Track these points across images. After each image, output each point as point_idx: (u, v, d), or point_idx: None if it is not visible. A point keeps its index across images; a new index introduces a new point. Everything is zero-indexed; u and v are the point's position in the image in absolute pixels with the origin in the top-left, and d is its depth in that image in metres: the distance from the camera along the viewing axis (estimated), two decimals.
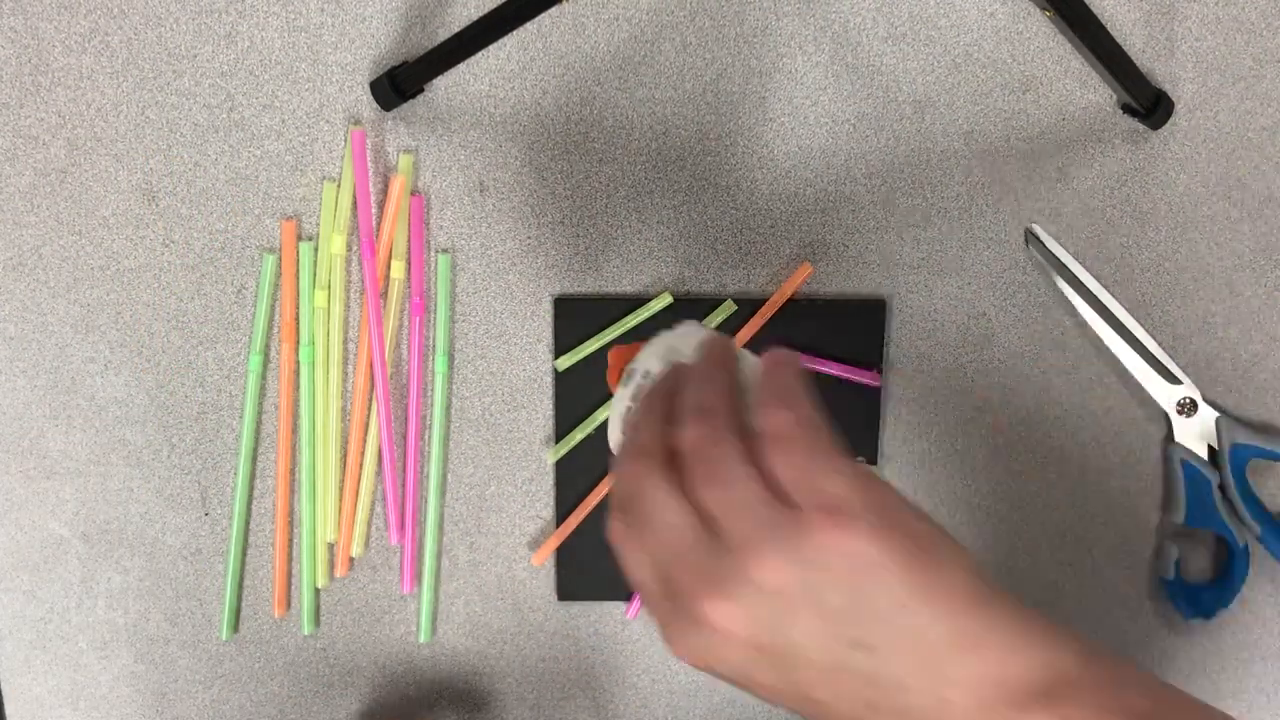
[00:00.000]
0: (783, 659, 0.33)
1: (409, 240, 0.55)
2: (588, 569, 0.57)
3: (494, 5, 0.49)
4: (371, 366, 0.55)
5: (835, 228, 0.56)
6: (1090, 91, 0.55)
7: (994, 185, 0.55)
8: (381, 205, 0.55)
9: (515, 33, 0.52)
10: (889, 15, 0.54)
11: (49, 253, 0.55)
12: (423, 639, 0.58)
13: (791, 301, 0.55)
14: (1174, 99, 0.54)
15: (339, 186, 0.55)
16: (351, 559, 0.57)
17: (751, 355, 0.39)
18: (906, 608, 0.32)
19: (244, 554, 0.57)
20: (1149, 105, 0.53)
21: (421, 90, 0.54)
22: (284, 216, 0.55)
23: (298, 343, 0.56)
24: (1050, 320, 0.56)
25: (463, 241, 0.56)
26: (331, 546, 0.57)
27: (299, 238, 0.55)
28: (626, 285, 0.56)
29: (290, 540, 0.57)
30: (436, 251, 0.56)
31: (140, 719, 0.58)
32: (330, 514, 0.56)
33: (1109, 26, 0.49)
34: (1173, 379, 0.56)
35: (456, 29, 0.52)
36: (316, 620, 0.58)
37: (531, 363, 0.56)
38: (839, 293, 0.56)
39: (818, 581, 0.32)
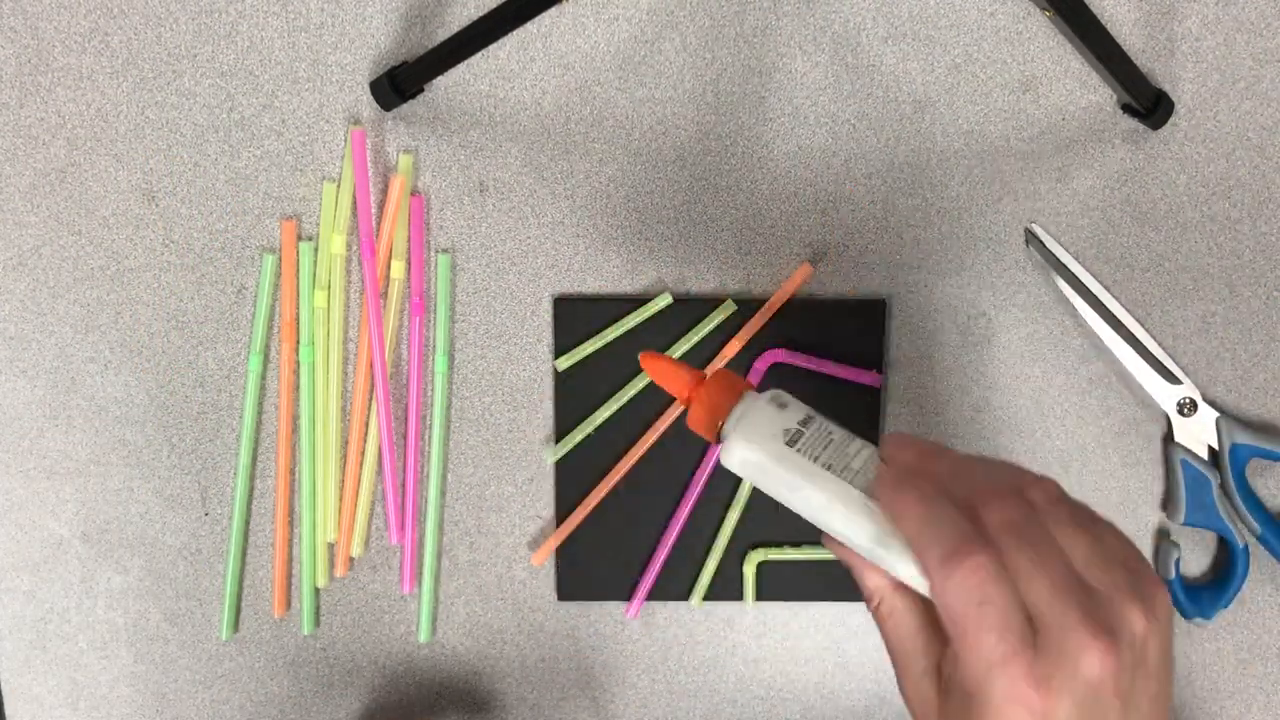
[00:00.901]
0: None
1: (409, 240, 0.55)
2: (588, 569, 0.57)
3: (494, 5, 0.49)
4: (371, 366, 0.55)
5: (835, 228, 0.56)
6: (1090, 91, 0.55)
7: (994, 185, 0.55)
8: (381, 205, 0.55)
9: (515, 33, 0.52)
10: (889, 15, 0.54)
11: (49, 253, 0.55)
12: (423, 639, 0.58)
13: (791, 301, 0.55)
14: (1174, 99, 0.54)
15: (339, 186, 0.55)
16: (351, 559, 0.57)
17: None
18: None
19: (244, 554, 0.57)
20: (1149, 105, 0.53)
21: (421, 90, 0.54)
22: (284, 216, 0.55)
23: (298, 343, 0.56)
24: (1050, 320, 0.56)
25: (463, 241, 0.56)
26: (331, 546, 0.57)
27: (299, 238, 0.55)
28: (626, 285, 0.56)
29: (290, 540, 0.57)
30: (436, 251, 0.56)
31: (140, 719, 0.58)
32: (330, 514, 0.56)
33: (1109, 26, 0.49)
34: (1173, 379, 0.56)
35: (456, 29, 0.52)
36: (316, 620, 0.58)
37: (531, 363, 0.56)
38: (839, 293, 0.56)
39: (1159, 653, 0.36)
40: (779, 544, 0.57)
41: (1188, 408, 0.56)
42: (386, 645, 0.58)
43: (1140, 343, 0.55)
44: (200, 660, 0.58)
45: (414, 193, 0.55)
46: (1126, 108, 0.55)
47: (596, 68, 0.54)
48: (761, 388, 0.55)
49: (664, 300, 0.55)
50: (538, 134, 0.55)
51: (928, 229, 0.56)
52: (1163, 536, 0.58)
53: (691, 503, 0.56)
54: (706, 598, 0.57)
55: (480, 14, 0.50)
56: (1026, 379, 0.57)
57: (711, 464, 0.56)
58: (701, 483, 0.56)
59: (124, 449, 0.56)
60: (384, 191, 0.55)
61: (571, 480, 0.57)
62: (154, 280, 0.55)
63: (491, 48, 0.53)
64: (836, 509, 0.38)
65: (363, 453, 0.56)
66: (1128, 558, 0.36)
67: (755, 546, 0.57)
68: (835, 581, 0.57)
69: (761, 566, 0.57)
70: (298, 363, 0.56)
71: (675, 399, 0.52)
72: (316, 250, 0.55)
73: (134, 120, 0.54)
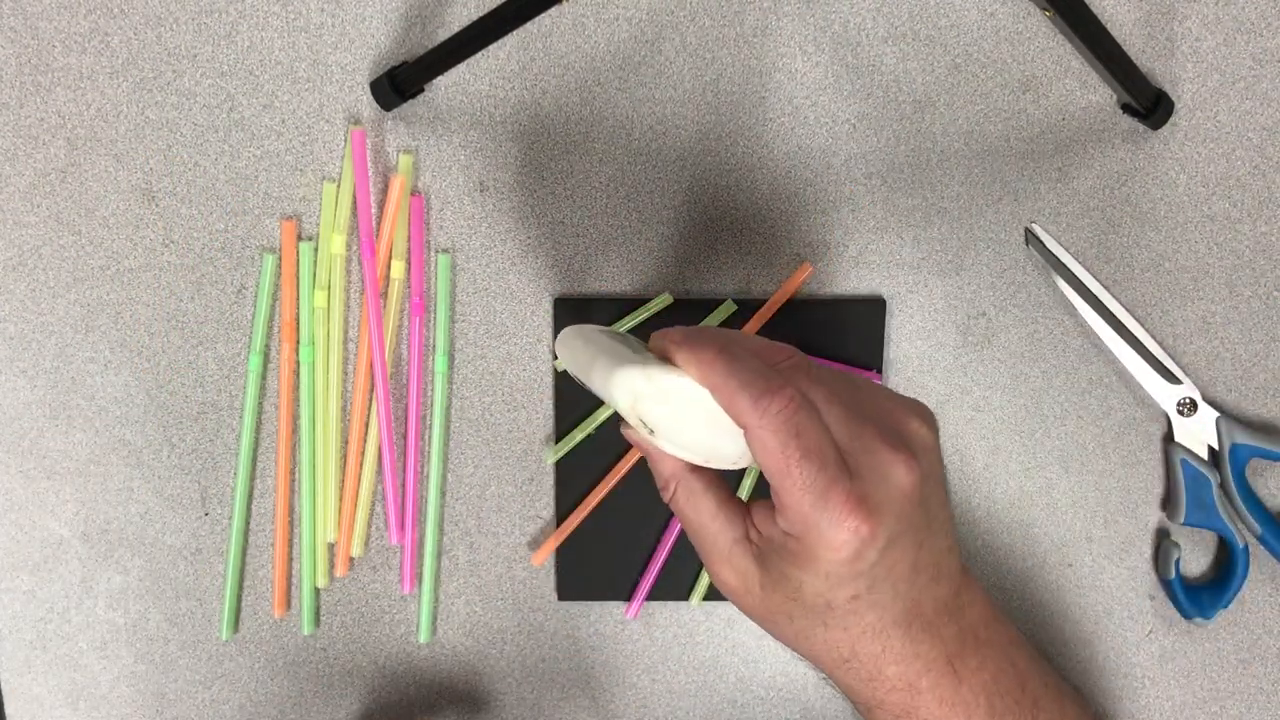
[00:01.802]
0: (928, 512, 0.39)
1: (409, 240, 0.55)
2: (588, 569, 0.57)
3: (494, 5, 0.49)
4: (371, 366, 0.55)
5: (835, 228, 0.56)
6: (1090, 91, 0.55)
7: (994, 185, 0.55)
8: (381, 205, 0.55)
9: (515, 33, 0.52)
10: (889, 15, 0.54)
11: (49, 253, 0.55)
12: (423, 639, 0.58)
13: (791, 301, 0.55)
14: (1174, 99, 0.54)
15: (339, 186, 0.55)
16: (351, 559, 0.57)
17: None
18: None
19: (244, 554, 0.57)
20: (1149, 105, 0.53)
21: (421, 90, 0.54)
22: (284, 216, 0.55)
23: (298, 343, 0.56)
24: (1050, 320, 0.56)
25: (463, 241, 0.56)
26: (331, 546, 0.57)
27: (299, 238, 0.55)
28: (626, 285, 0.56)
29: (290, 540, 0.57)
30: (436, 251, 0.56)
31: (140, 719, 0.58)
32: (330, 514, 0.56)
33: (1109, 26, 0.49)
34: (1173, 379, 0.56)
35: (456, 29, 0.52)
36: (316, 620, 0.58)
37: (531, 363, 0.56)
38: (839, 293, 0.56)
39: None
40: None
41: (1188, 408, 0.56)
42: (386, 645, 0.58)
43: (1140, 343, 0.55)
44: (200, 660, 0.58)
45: (414, 193, 0.55)
46: (1126, 108, 0.55)
47: (596, 68, 0.54)
48: None
49: (664, 300, 0.55)
50: (538, 134, 0.55)
51: (928, 229, 0.56)
52: (1163, 536, 0.58)
53: None
54: (706, 598, 0.57)
55: (480, 14, 0.50)
56: (1026, 379, 0.57)
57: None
58: None
59: (124, 449, 0.56)
60: (384, 191, 0.55)
61: (571, 480, 0.57)
62: (154, 280, 0.55)
63: (491, 48, 0.53)
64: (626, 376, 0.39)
65: (363, 453, 0.56)
66: (883, 388, 0.40)
67: None
68: None
69: None
70: (298, 363, 0.56)
71: None
72: (316, 250, 0.55)
73: (134, 120, 0.54)
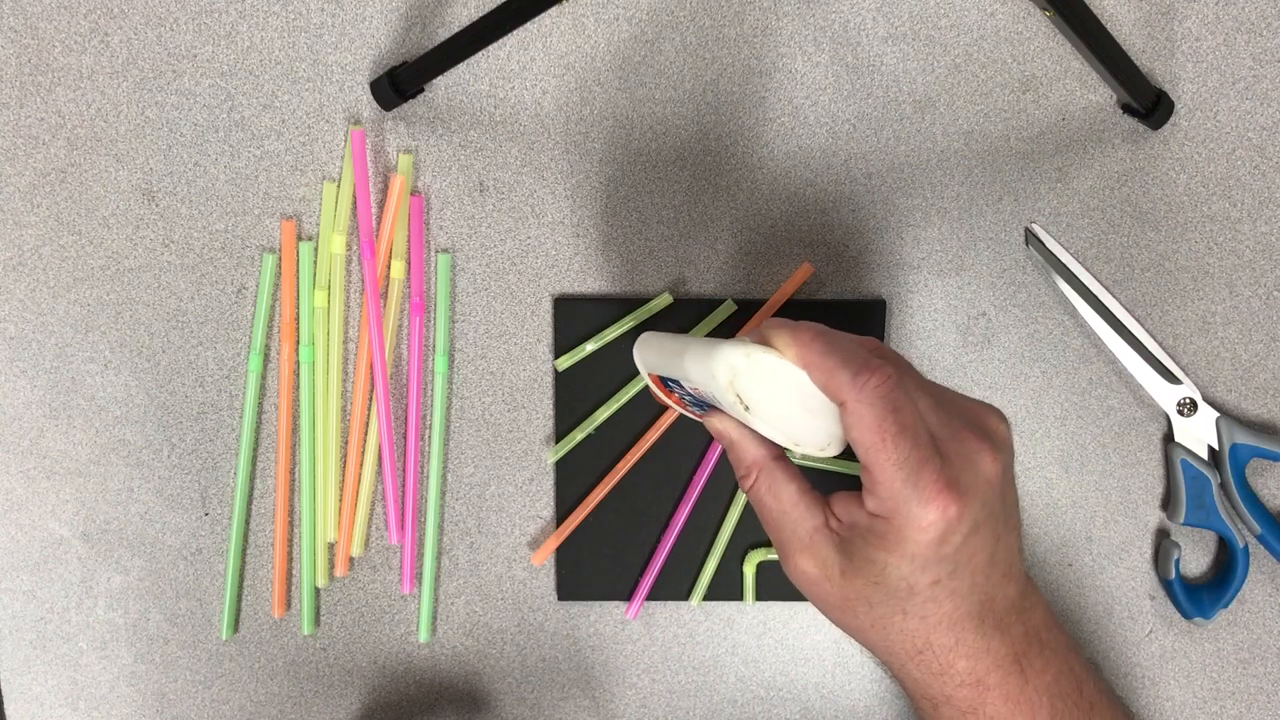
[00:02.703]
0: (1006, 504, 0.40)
1: (409, 240, 0.55)
2: (588, 569, 0.57)
3: (494, 5, 0.49)
4: (371, 366, 0.55)
5: (835, 228, 0.56)
6: (1090, 91, 0.55)
7: (994, 185, 0.55)
8: (381, 205, 0.55)
9: (515, 33, 0.52)
10: (889, 15, 0.54)
11: (49, 253, 0.55)
12: (423, 639, 0.58)
13: (791, 301, 0.55)
14: (1174, 99, 0.54)
15: (339, 186, 0.55)
16: (351, 559, 0.57)
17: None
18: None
19: (244, 554, 0.57)
20: (1149, 105, 0.53)
21: (421, 90, 0.54)
22: (284, 216, 0.55)
23: (298, 343, 0.56)
24: (1050, 320, 0.56)
25: (463, 241, 0.56)
26: (331, 546, 0.57)
27: (299, 238, 0.55)
28: (626, 285, 0.56)
29: (290, 540, 0.57)
30: (436, 251, 0.56)
31: (140, 719, 0.58)
32: (330, 514, 0.56)
33: (1109, 26, 0.50)
34: (1173, 379, 0.56)
35: (456, 29, 0.52)
36: (316, 620, 0.58)
37: (531, 363, 0.56)
38: (839, 293, 0.56)
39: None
40: None
41: (1188, 408, 0.56)
42: (386, 645, 0.58)
43: (1140, 343, 0.55)
44: (200, 660, 0.58)
45: (414, 193, 0.55)
46: (1126, 108, 0.55)
47: (596, 68, 0.54)
48: None
49: (664, 300, 0.55)
50: (538, 134, 0.55)
51: (928, 229, 0.56)
52: (1163, 536, 0.58)
53: (691, 503, 0.56)
54: (706, 598, 0.57)
55: (480, 14, 0.50)
56: (1026, 379, 0.57)
57: (711, 464, 0.56)
58: (701, 483, 0.56)
59: (124, 449, 0.56)
60: (384, 191, 0.55)
61: (571, 480, 0.57)
62: (154, 280, 0.55)
63: (491, 48, 0.53)
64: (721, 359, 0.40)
65: (363, 453, 0.56)
66: (957, 391, 0.42)
67: (755, 546, 0.57)
68: None
69: (761, 566, 0.57)
70: (298, 363, 0.56)
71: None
72: (316, 250, 0.55)
73: (134, 120, 0.54)
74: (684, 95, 0.55)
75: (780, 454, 0.42)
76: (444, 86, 0.54)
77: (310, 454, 0.56)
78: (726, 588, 0.57)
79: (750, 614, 0.58)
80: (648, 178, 0.55)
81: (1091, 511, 0.57)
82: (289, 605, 0.58)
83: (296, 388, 0.56)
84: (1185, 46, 0.55)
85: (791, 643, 0.59)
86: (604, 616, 0.58)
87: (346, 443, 0.56)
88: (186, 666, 0.58)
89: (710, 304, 0.55)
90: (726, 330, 0.55)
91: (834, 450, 0.41)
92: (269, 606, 0.58)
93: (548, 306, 0.56)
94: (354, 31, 0.54)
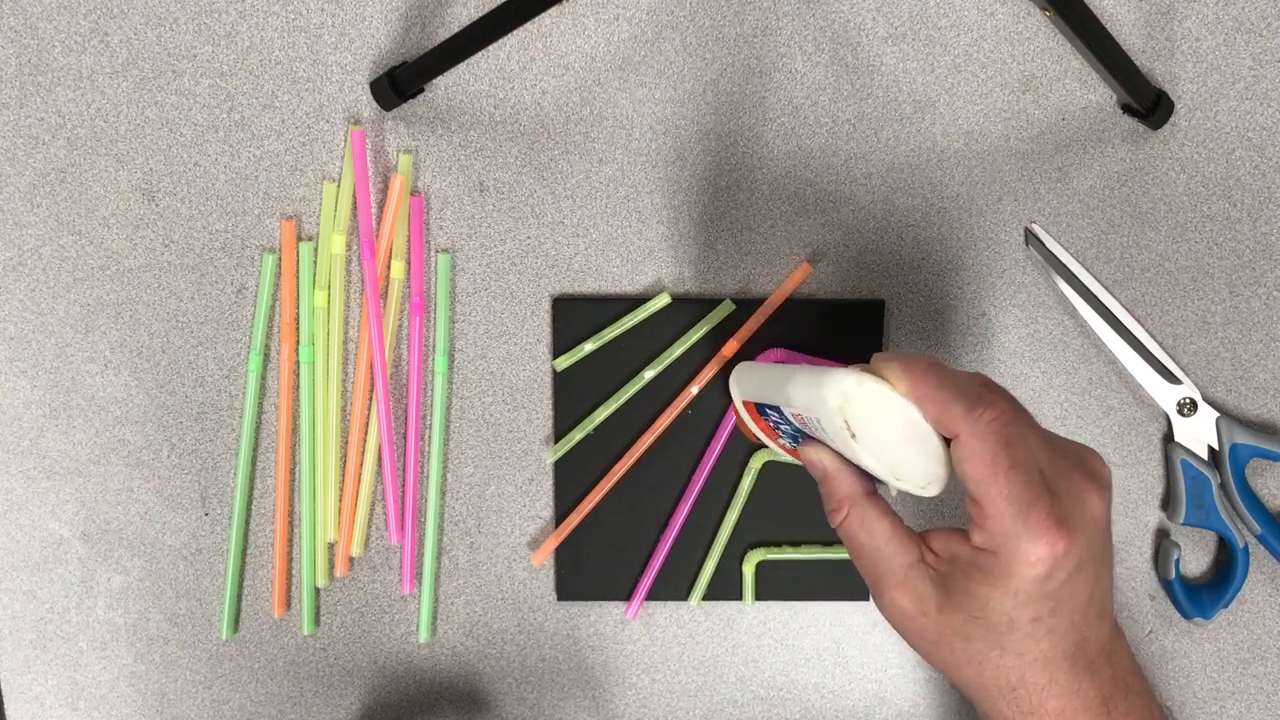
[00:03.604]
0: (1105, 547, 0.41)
1: (409, 240, 0.55)
2: (588, 569, 0.57)
3: (494, 5, 0.49)
4: (371, 366, 0.55)
5: (835, 228, 0.56)
6: (1090, 91, 0.55)
7: (994, 185, 0.55)
8: (381, 205, 0.55)
9: (515, 33, 0.52)
10: (889, 15, 0.54)
11: (49, 253, 0.55)
12: (423, 639, 0.58)
13: (791, 301, 0.55)
14: (1174, 99, 0.54)
15: (339, 186, 0.55)
16: (351, 559, 0.57)
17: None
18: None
19: (244, 554, 0.57)
20: (1149, 105, 0.53)
21: (421, 90, 0.54)
22: (284, 216, 0.55)
23: (298, 343, 0.56)
24: (1050, 320, 0.56)
25: (463, 241, 0.56)
26: (331, 546, 0.57)
27: (299, 238, 0.55)
28: (626, 285, 0.56)
29: (290, 540, 0.57)
30: (436, 251, 0.56)
31: (140, 719, 0.58)
32: (330, 514, 0.56)
33: (1109, 26, 0.50)
34: (1173, 379, 0.56)
35: (456, 29, 0.52)
36: (316, 620, 0.58)
37: (531, 363, 0.56)
38: (839, 293, 0.56)
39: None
40: (778, 544, 0.57)
41: (1188, 408, 0.56)
42: (386, 645, 0.58)
43: (1140, 343, 0.55)
44: (200, 660, 0.58)
45: (414, 193, 0.55)
46: (1126, 108, 0.55)
47: (596, 68, 0.54)
48: None
49: (663, 300, 0.55)
50: (538, 134, 0.55)
51: (927, 229, 0.56)
52: (1163, 536, 0.58)
53: (690, 503, 0.56)
54: (706, 597, 0.57)
55: (480, 14, 0.50)
56: (1026, 379, 0.57)
57: (711, 464, 0.56)
58: (700, 483, 0.56)
59: (124, 449, 0.56)
60: (384, 191, 0.55)
61: (571, 480, 0.57)
62: (154, 280, 0.55)
63: (491, 48, 0.53)
64: (828, 390, 0.40)
65: (363, 453, 0.56)
66: (1062, 436, 0.42)
67: (754, 546, 0.57)
68: (835, 581, 0.57)
69: (761, 566, 0.57)
70: (298, 363, 0.56)
71: (674, 400, 0.56)
72: (316, 250, 0.55)
73: (134, 120, 0.54)
74: (684, 95, 0.55)
75: (873, 489, 0.42)
76: (444, 86, 0.54)
77: (310, 454, 0.56)
78: (726, 587, 0.57)
79: (750, 614, 0.58)
80: (648, 178, 0.55)
81: None
82: (289, 605, 0.58)
83: (296, 388, 0.56)
84: (1185, 46, 0.55)
85: (791, 643, 0.59)
86: (604, 616, 0.58)
87: (346, 443, 0.56)
88: (186, 666, 0.58)
89: (709, 304, 0.55)
90: (726, 330, 0.55)
91: (933, 490, 0.40)
92: (269, 606, 0.58)
93: (547, 306, 0.56)
94: (354, 31, 0.54)
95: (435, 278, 0.56)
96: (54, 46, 0.54)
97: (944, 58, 0.55)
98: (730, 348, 0.55)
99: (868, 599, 0.58)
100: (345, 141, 0.55)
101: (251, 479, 0.57)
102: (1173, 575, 0.57)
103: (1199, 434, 0.56)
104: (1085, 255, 0.56)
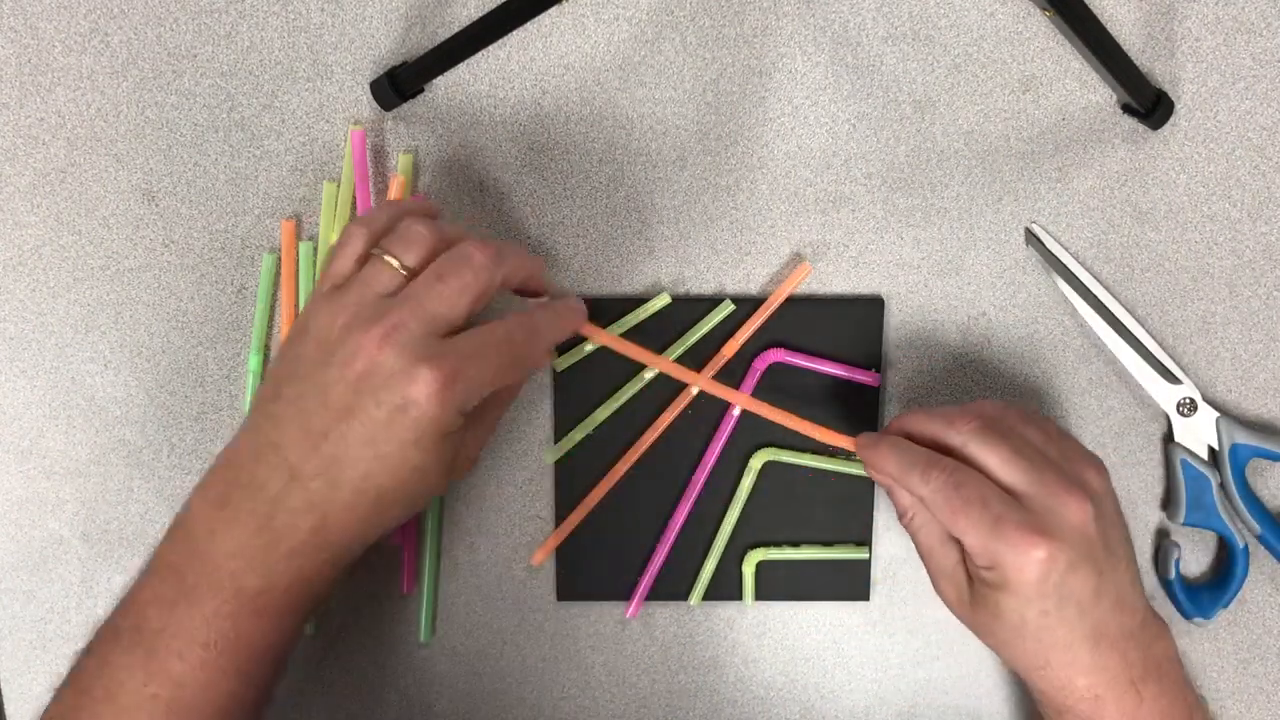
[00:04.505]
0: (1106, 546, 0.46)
1: None
2: (588, 569, 0.57)
3: (494, 5, 0.49)
4: None
5: (835, 228, 0.56)
6: (1090, 91, 0.55)
7: (994, 185, 0.55)
8: None
9: (515, 33, 0.52)
10: (889, 15, 0.54)
11: (49, 253, 0.55)
12: (423, 639, 0.58)
13: (791, 301, 0.55)
14: (1174, 99, 0.54)
15: (339, 186, 0.55)
16: None
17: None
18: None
19: None
20: (1149, 105, 0.53)
21: (421, 90, 0.54)
22: (284, 216, 0.55)
23: None
24: (1050, 320, 0.56)
25: None
26: None
27: (299, 238, 0.55)
28: (626, 285, 0.56)
29: None
30: None
31: None
32: None
33: (1109, 26, 0.50)
34: (1173, 379, 0.56)
35: (456, 29, 0.52)
36: (317, 620, 0.58)
37: None
38: (838, 292, 0.56)
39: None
40: (778, 544, 0.57)
41: (1188, 408, 0.56)
42: (386, 645, 0.58)
43: (1140, 343, 0.55)
44: None
45: (414, 193, 0.55)
46: (1126, 108, 0.55)
47: (596, 68, 0.54)
48: (760, 387, 0.56)
49: (662, 300, 0.55)
50: (538, 134, 0.55)
51: (927, 229, 0.56)
52: (1163, 536, 0.58)
53: (690, 503, 0.56)
54: (706, 597, 0.57)
55: (480, 14, 0.50)
56: (1026, 379, 0.57)
57: (711, 464, 0.56)
58: (700, 483, 0.56)
59: (124, 449, 0.56)
60: (384, 191, 0.55)
61: (571, 480, 0.57)
62: (154, 280, 0.56)
63: (491, 48, 0.53)
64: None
65: None
66: (1068, 437, 0.48)
67: (754, 546, 0.57)
68: (835, 581, 0.57)
69: (761, 566, 0.57)
70: None
71: (674, 400, 0.56)
72: (316, 250, 0.55)
73: (134, 120, 0.54)
74: (684, 95, 0.55)
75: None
76: (444, 86, 0.54)
77: None
78: (726, 588, 0.57)
79: (750, 614, 0.58)
80: (648, 178, 0.55)
81: None
82: None
83: None
84: (1185, 46, 0.55)
85: (791, 643, 0.59)
86: (604, 616, 0.58)
87: None
88: None
89: (709, 303, 0.55)
90: (726, 330, 0.55)
91: None
92: None
93: None
94: (354, 31, 0.54)
95: None
96: (54, 46, 0.54)
97: (944, 58, 0.55)
98: (730, 348, 0.55)
99: (868, 599, 0.58)
100: (345, 141, 0.55)
101: None
102: (1173, 575, 0.57)
103: (1199, 434, 0.56)
104: (1085, 255, 0.56)
